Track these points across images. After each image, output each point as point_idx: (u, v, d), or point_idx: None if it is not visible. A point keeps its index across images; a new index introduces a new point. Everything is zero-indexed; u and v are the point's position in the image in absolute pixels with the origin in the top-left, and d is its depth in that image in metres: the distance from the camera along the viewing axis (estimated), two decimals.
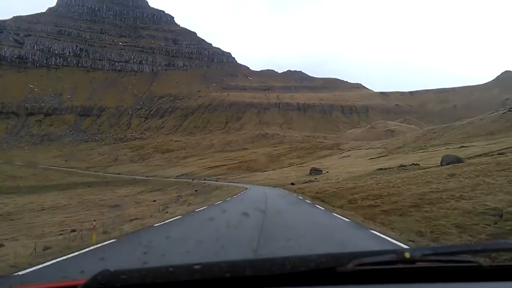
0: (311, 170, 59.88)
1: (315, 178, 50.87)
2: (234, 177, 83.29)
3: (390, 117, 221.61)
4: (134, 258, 6.64)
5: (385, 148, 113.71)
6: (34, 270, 6.17)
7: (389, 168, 31.10)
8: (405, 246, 7.45)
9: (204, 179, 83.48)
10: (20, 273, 5.94)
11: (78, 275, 2.79)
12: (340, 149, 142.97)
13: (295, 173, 73.53)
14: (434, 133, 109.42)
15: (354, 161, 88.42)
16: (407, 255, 1.28)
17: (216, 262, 1.30)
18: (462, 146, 62.06)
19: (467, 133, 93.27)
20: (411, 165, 29.48)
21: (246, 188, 40.35)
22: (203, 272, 1.28)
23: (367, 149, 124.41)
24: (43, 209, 60.15)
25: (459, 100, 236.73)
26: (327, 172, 62.83)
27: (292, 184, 42.06)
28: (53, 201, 78.03)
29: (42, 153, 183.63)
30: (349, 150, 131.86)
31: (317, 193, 23.87)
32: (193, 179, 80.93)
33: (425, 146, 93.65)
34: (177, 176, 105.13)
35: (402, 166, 29.51)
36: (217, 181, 76.66)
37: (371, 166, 65.53)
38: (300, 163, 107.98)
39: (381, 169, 32.07)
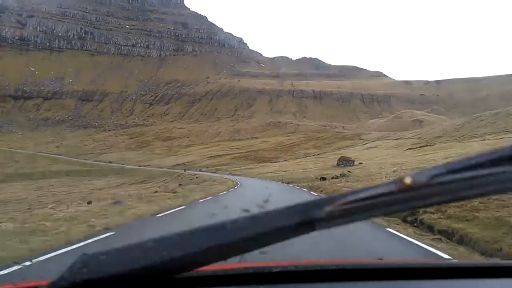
0: (339, 160, 43.15)
1: (349, 171, 34.07)
2: (237, 168, 67.17)
3: (415, 107, 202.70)
4: None
5: (419, 138, 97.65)
6: None
7: None
8: None
9: (200, 170, 68.27)
10: None
11: None
12: (362, 139, 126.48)
13: (315, 165, 56.98)
14: (481, 120, 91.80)
15: (389, 151, 71.60)
16: (408, 181, 0.75)
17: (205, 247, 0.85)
18: None
19: None
20: None
21: (236, 185, 24.06)
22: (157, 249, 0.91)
23: (396, 139, 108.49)
24: None
25: (491, 89, 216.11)
26: (361, 163, 45.98)
27: (323, 179, 25.18)
28: (13, 193, 64.16)
29: (36, 138, 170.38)
30: (374, 141, 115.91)
31: None
32: (185, 170, 65.46)
33: (475, 135, 77.29)
34: (172, 165, 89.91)
35: None
36: (215, 172, 60.90)
37: (420, 157, 48.82)
38: (318, 154, 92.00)
39: None
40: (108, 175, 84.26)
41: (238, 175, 49.04)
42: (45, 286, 0.81)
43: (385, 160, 50.51)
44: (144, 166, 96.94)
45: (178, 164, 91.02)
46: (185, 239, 0.87)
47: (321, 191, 17.46)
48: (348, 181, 19.70)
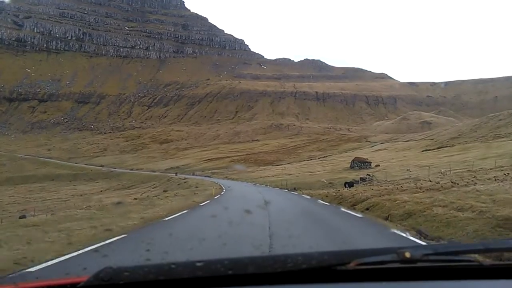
0: (353, 161, 36.38)
1: (368, 174, 27.38)
2: (235, 172, 60.44)
3: (421, 109, 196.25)
4: None
5: (432, 139, 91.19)
6: None
7: None
8: None
9: (193, 174, 61.81)
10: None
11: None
12: (369, 141, 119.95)
13: (323, 168, 50.36)
14: (500, 120, 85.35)
15: (403, 153, 64.81)
16: (408, 254, 1.27)
17: (218, 259, 1.28)
18: None
19: None
20: None
21: (213, 197, 17.46)
22: (205, 269, 1.25)
23: (406, 141, 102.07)
24: None
25: (499, 91, 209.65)
26: (378, 165, 39.19)
27: (349, 185, 18.42)
28: None
29: (28, 141, 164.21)
30: (382, 143, 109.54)
31: None
32: (176, 174, 59.08)
33: (498, 135, 70.91)
34: (165, 169, 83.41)
35: None
36: (209, 176, 54.37)
37: (448, 158, 42.05)
38: (324, 156, 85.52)
39: None
40: (96, 179, 77.85)
41: (235, 179, 42.39)
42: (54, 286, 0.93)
43: (404, 162, 43.86)
44: (137, 169, 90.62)
45: (172, 168, 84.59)
46: (209, 267, 1.03)
47: (368, 209, 10.39)
48: (403, 190, 12.82)
